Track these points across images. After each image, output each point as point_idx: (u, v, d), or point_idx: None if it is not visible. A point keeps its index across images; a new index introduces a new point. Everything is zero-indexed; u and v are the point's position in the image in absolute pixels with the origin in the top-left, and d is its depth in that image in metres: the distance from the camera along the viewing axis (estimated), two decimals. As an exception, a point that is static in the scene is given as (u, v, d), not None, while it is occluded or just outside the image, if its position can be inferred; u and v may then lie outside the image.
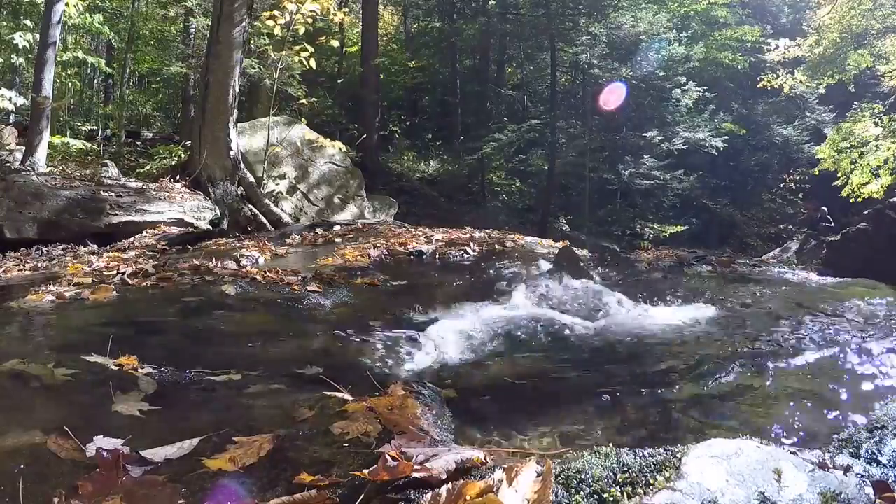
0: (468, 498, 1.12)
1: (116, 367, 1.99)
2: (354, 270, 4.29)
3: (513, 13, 18.17)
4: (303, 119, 12.57)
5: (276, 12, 9.96)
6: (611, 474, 1.18)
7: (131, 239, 6.94)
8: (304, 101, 12.72)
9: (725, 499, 1.09)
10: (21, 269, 5.14)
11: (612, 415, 2.14)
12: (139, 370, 1.99)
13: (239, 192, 9.34)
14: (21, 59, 11.25)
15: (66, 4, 9.26)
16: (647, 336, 3.11)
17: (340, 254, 4.91)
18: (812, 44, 13.99)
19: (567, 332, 3.16)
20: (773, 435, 1.87)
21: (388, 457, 1.26)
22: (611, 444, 1.36)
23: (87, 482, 1.31)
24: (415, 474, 1.20)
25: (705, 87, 17.41)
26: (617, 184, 17.50)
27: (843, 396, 2.17)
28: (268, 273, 3.89)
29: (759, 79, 15.49)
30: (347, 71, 19.45)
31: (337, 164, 11.71)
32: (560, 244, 5.89)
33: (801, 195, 20.28)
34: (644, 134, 16.65)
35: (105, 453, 1.39)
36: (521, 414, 2.12)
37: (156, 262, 4.36)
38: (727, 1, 19.04)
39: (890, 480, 1.28)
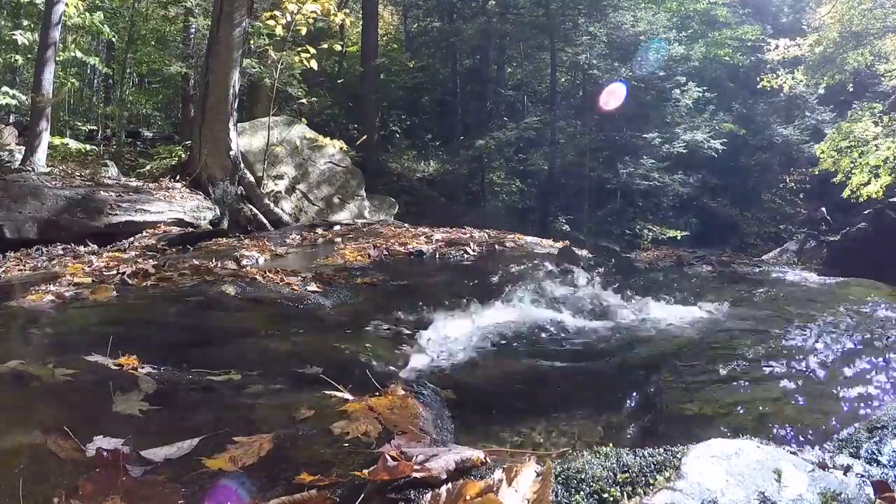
0: (468, 498, 1.12)
1: (116, 367, 1.99)
2: (354, 270, 4.29)
3: (512, 13, 18.15)
4: (303, 119, 12.55)
5: (276, 12, 9.96)
6: (611, 474, 1.18)
7: (131, 239, 6.93)
8: (304, 100, 12.71)
9: (725, 499, 1.09)
10: (21, 269, 5.14)
11: (612, 414, 2.14)
12: (139, 370, 1.99)
13: (239, 192, 9.33)
14: (20, 59, 11.24)
15: (66, 4, 9.26)
16: (646, 336, 3.11)
17: (340, 254, 4.91)
18: (812, 43, 13.97)
19: (567, 332, 3.17)
20: (772, 434, 1.87)
21: (388, 457, 1.26)
22: (611, 444, 1.36)
23: (87, 482, 1.30)
24: (415, 474, 1.20)
25: (705, 87, 17.41)
26: (616, 184, 17.49)
27: (843, 396, 2.17)
28: (268, 273, 3.89)
29: (758, 79, 15.47)
30: (347, 71, 19.44)
31: (337, 164, 11.70)
32: (560, 244, 5.89)
33: (801, 195, 20.26)
34: (644, 135, 16.65)
35: (105, 453, 1.39)
36: (521, 414, 2.12)
37: (156, 262, 4.37)
38: (727, 0, 19.04)
39: (890, 480, 1.28)
